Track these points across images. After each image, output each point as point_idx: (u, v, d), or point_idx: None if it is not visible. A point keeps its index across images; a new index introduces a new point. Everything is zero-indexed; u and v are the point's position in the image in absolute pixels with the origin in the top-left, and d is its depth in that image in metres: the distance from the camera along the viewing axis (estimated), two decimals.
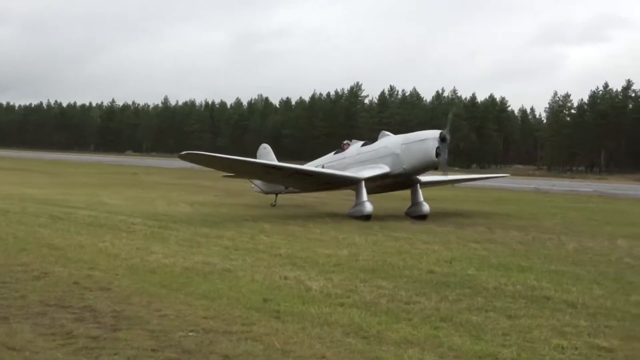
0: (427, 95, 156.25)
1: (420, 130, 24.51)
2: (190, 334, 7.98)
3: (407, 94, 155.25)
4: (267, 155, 28.53)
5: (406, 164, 22.67)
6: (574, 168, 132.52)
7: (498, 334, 8.17)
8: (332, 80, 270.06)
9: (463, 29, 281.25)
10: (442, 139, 22.16)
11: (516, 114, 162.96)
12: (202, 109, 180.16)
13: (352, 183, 23.01)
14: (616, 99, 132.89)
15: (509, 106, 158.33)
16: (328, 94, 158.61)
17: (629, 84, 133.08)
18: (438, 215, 24.21)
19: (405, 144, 22.83)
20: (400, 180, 23.52)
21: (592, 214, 28.39)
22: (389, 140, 23.70)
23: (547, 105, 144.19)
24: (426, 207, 23.33)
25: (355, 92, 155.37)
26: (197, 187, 38.40)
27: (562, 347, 7.69)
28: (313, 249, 14.90)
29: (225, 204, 27.60)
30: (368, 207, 21.98)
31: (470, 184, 41.10)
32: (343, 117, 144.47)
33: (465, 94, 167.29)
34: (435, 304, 9.60)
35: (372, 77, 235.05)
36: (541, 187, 52.39)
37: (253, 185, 28.95)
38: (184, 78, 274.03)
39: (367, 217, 21.60)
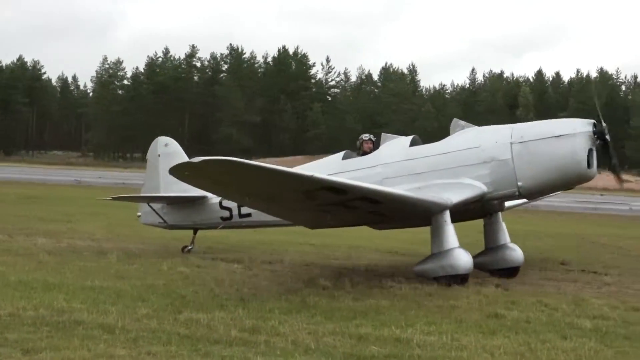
0: None
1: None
2: None
3: None
4: (174, 158, 18.69)
5: (525, 178, 15.89)
6: (129, 155, 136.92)
7: None
8: None
9: None
10: (595, 133, 15.72)
11: (54, 84, 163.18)
12: None
13: (428, 213, 15.77)
14: (179, 69, 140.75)
15: (45, 73, 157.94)
16: None
17: (193, 50, 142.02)
18: None
19: (521, 142, 15.99)
20: (485, 206, 17.04)
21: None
22: (481, 136, 16.54)
23: (95, 74, 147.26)
24: (519, 253, 17.25)
25: None
26: None
27: None
28: None
29: None
30: (464, 259, 15.29)
31: None
32: None
33: None
34: None
35: None
36: (83, 180, 53.48)
37: (140, 213, 20.61)
38: None
39: (462, 279, 15.17)
